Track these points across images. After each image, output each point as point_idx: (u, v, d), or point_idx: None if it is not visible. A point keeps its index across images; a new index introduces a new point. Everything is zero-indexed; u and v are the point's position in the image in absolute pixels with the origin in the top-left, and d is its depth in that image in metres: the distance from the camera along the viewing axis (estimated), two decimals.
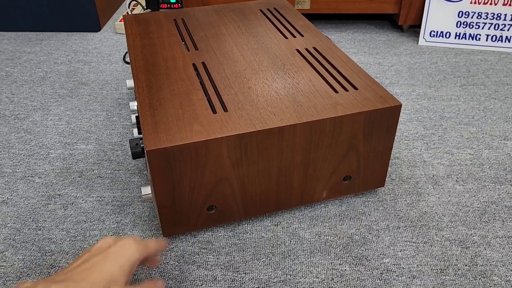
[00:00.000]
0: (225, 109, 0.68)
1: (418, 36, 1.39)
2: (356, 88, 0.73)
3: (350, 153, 0.71)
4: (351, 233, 0.72)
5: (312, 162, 0.70)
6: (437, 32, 1.32)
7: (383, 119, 0.70)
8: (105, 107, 1.06)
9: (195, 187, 0.66)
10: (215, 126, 0.64)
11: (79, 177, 0.84)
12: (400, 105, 0.69)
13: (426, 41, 1.34)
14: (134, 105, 0.88)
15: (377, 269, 0.67)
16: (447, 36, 1.32)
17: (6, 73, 1.22)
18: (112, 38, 1.44)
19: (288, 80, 0.75)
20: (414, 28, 1.46)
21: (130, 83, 0.99)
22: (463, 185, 0.82)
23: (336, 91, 0.72)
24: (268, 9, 1.06)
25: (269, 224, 0.74)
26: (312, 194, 0.74)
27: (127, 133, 0.97)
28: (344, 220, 0.75)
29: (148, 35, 0.91)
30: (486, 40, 1.30)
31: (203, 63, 0.81)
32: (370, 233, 0.72)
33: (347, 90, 0.72)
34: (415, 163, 0.88)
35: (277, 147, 0.66)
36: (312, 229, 0.73)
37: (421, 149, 0.91)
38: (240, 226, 0.74)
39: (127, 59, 1.29)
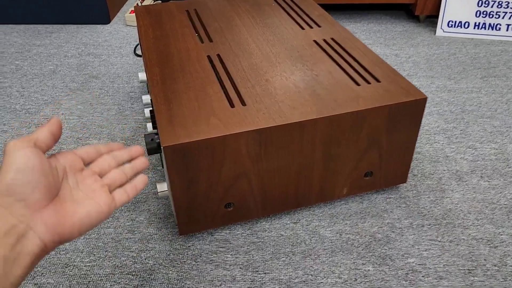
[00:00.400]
0: (243, 102, 0.65)
1: (435, 27, 1.35)
2: (378, 80, 0.70)
3: (372, 148, 0.69)
4: (373, 232, 0.70)
5: (333, 158, 0.67)
6: (456, 22, 1.29)
7: (407, 113, 0.67)
8: (116, 101, 1.04)
9: (213, 184, 0.63)
10: (233, 120, 0.61)
11: None
12: (425, 98, 0.66)
13: (444, 31, 1.30)
14: (147, 99, 0.86)
15: (402, 269, 0.64)
16: (466, 26, 1.28)
17: (16, 67, 1.20)
18: (122, 31, 1.42)
19: (306, 72, 0.72)
20: (431, 19, 1.42)
21: (142, 76, 0.96)
22: (488, 181, 0.79)
23: (357, 84, 0.69)
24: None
25: (288, 222, 0.72)
26: (332, 190, 0.72)
27: (140, 127, 0.95)
28: (366, 218, 0.72)
29: (161, 27, 0.89)
30: (507, 30, 1.26)
31: (218, 55, 0.78)
32: (393, 232, 0.70)
33: (369, 83, 0.69)
34: (437, 158, 0.85)
35: (297, 142, 0.64)
36: (333, 227, 0.71)
37: (443, 143, 0.88)
38: (258, 224, 0.72)
39: (138, 52, 1.26)
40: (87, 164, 0.52)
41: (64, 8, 1.43)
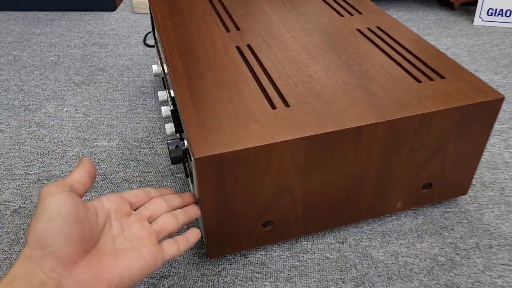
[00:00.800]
0: (285, 103, 0.55)
1: (472, 15, 1.24)
2: (442, 77, 0.59)
3: (435, 156, 0.58)
4: (434, 254, 0.60)
5: (390, 168, 0.57)
6: (496, 10, 1.17)
7: (480, 116, 0.56)
8: (127, 97, 0.93)
9: (251, 200, 0.53)
10: (278, 126, 0.51)
11: (102, 180, 0.72)
12: (503, 98, 0.56)
13: (482, 20, 1.19)
14: (164, 95, 0.76)
15: None
16: (508, 14, 1.17)
17: (14, 58, 1.09)
18: (129, 18, 1.30)
19: (355, 67, 0.62)
20: (466, 6, 1.31)
21: (157, 69, 0.86)
22: None
23: (418, 81, 0.59)
24: None
25: (333, 242, 0.62)
26: (385, 205, 0.62)
27: (155, 127, 0.84)
28: (423, 237, 0.62)
29: (179, 13, 0.78)
30: None
31: (248, 45, 0.67)
32: (457, 254, 0.60)
33: (431, 79, 0.59)
34: (496, 164, 0.74)
35: (351, 151, 0.53)
36: (386, 248, 0.61)
37: (499, 147, 0.78)
38: (298, 244, 0.62)
39: (148, 42, 1.15)
40: (135, 209, 0.47)
41: None
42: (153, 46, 1.13)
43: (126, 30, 1.23)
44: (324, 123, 0.51)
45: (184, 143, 0.56)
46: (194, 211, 0.52)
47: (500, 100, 0.56)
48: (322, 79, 0.59)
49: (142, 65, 1.05)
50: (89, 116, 0.87)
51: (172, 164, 0.56)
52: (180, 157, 0.56)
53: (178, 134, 0.73)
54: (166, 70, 0.70)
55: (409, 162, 0.57)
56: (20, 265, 0.34)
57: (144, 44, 1.15)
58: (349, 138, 0.52)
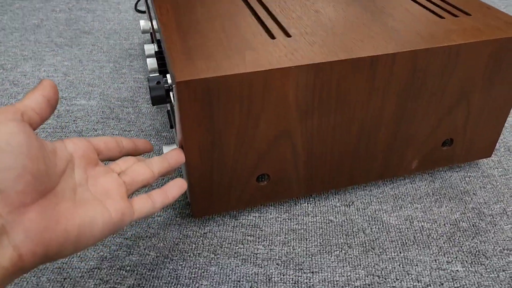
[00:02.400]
0: (287, 34, 0.47)
1: None
2: (468, 14, 0.51)
3: (459, 105, 0.50)
4: (455, 219, 0.52)
5: (407, 116, 0.49)
6: None
7: None
8: (112, 58, 0.85)
9: (244, 145, 0.45)
10: (278, 54, 0.42)
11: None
12: None
13: None
14: (150, 48, 0.67)
15: (503, 270, 0.46)
16: None
17: None
18: None
19: (368, 4, 0.54)
20: None
21: (145, 24, 0.78)
22: None
23: (441, 17, 0.51)
24: None
25: (338, 204, 0.54)
26: (399, 163, 0.54)
27: (141, 87, 0.76)
28: (442, 201, 0.54)
29: None
30: None
31: None
32: (482, 220, 0.52)
33: (456, 16, 0.51)
34: None
35: (365, 88, 0.45)
36: (399, 212, 0.52)
37: None
38: (297, 206, 0.53)
39: (140, 7, 1.07)
40: (104, 160, 0.39)
41: None
42: (144, 12, 1.05)
43: None
44: (334, 51, 0.43)
45: (167, 80, 0.48)
46: (175, 158, 0.43)
47: None
48: (331, 14, 0.51)
49: (130, 30, 0.97)
50: (69, 76, 0.79)
51: (152, 105, 0.48)
52: (162, 97, 0.48)
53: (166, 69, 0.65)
54: (152, 14, 0.62)
55: (430, 110, 0.49)
56: None
57: (135, 10, 1.07)
58: (363, 71, 0.44)
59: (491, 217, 0.52)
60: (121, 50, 0.88)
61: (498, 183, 0.57)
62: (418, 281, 0.45)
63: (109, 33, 0.95)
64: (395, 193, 0.55)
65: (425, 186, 0.56)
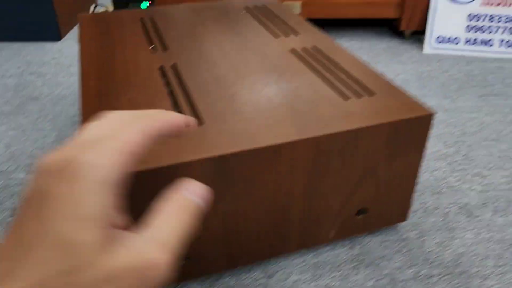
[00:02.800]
0: (199, 121, 0.50)
1: (422, 43, 1.24)
2: (372, 94, 0.56)
3: (367, 178, 0.54)
4: (369, 287, 0.54)
5: (318, 192, 0.52)
6: (445, 38, 1.17)
7: (411, 133, 0.52)
8: (56, 126, 0.87)
9: None
10: (185, 145, 0.45)
11: (10, 216, 0.65)
12: (432, 114, 0.52)
13: (432, 48, 1.19)
14: None
15: None
16: (456, 42, 1.17)
17: None
18: (74, 48, 1.26)
19: (282, 85, 0.58)
20: (417, 35, 1.31)
21: None
22: (505, 216, 0.65)
23: (347, 97, 0.55)
24: (255, 6, 0.89)
25: (261, 276, 0.56)
26: (316, 234, 0.56)
27: None
28: (359, 268, 0.57)
29: (108, 37, 0.74)
30: (500, 46, 1.15)
31: (173, 65, 0.63)
32: (394, 286, 0.54)
33: (360, 96, 0.55)
34: (440, 189, 0.70)
35: (270, 173, 0.48)
36: (318, 282, 0.55)
37: (444, 171, 0.74)
38: (220, 280, 0.55)
39: None
40: None
41: (7, 23, 1.27)
42: None
43: (68, 60, 1.18)
44: (238, 142, 0.46)
45: None
46: None
47: (429, 116, 0.52)
48: (245, 96, 0.55)
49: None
50: (10, 147, 0.81)
51: None
52: None
53: None
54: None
55: (339, 185, 0.53)
56: None
57: None
58: (267, 158, 0.47)
59: (403, 282, 0.55)
60: (66, 118, 0.90)
61: (414, 246, 0.60)
62: None
63: (57, 99, 0.97)
64: (316, 262, 0.58)
65: (345, 252, 0.59)
